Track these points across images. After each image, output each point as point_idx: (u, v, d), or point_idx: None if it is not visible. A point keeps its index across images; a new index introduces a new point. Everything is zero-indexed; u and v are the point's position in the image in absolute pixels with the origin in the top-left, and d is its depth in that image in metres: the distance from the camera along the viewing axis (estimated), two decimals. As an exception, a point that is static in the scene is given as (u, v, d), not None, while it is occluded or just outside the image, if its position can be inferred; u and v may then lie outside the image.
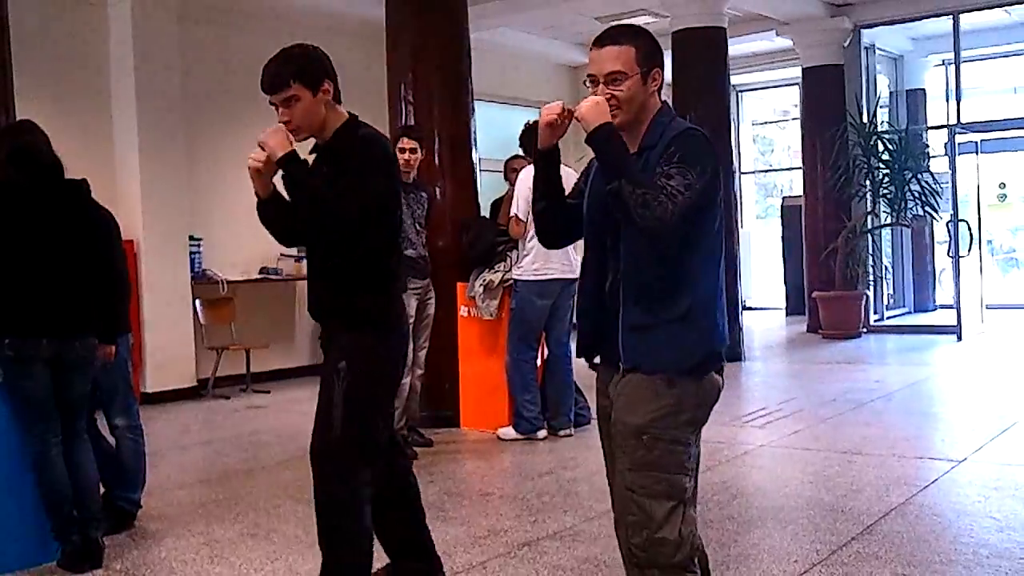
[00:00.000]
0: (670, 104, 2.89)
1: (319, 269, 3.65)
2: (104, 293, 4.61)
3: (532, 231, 6.76)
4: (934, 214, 13.51)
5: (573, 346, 3.26)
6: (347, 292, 3.56)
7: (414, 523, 3.93)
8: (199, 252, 10.07)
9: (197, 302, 9.88)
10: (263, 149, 3.41)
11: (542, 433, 6.99)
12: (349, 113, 3.62)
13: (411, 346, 6.69)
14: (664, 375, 2.70)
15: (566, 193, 3.00)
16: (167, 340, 9.53)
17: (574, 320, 3.11)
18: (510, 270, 7.09)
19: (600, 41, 2.80)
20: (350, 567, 3.57)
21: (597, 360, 2.94)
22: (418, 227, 6.75)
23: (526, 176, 6.81)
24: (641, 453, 2.70)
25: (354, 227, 3.42)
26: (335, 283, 3.57)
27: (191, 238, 9.88)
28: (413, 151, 6.68)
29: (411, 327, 6.67)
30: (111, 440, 5.13)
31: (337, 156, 3.53)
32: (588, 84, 2.78)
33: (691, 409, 2.74)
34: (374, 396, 3.61)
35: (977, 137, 13.72)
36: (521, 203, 6.81)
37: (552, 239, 3.13)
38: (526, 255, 6.91)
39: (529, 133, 7.03)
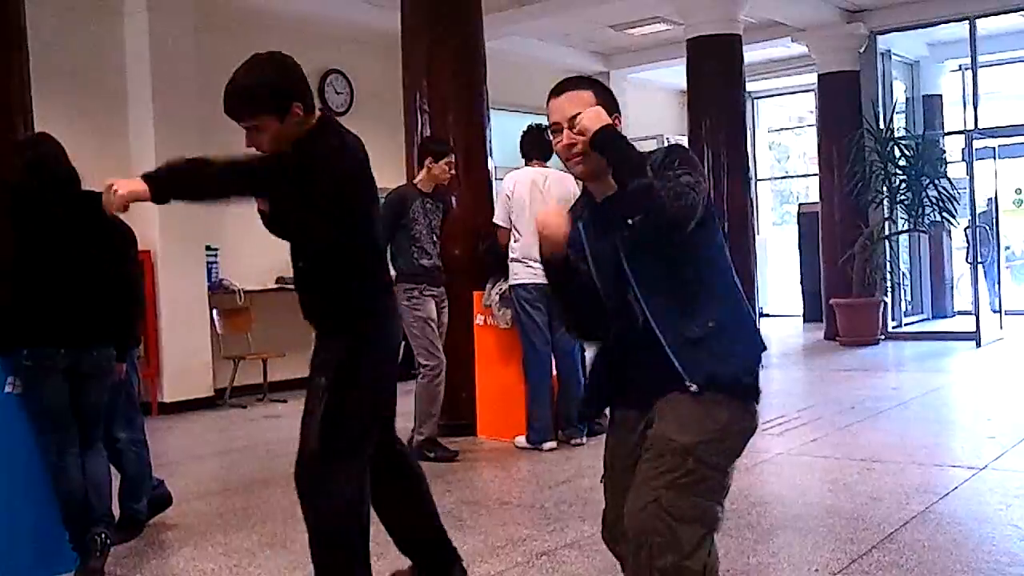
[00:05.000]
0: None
1: (301, 274, 3.58)
2: (119, 307, 4.62)
3: (517, 237, 6.79)
4: (952, 220, 13.44)
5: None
6: (325, 298, 3.51)
7: (424, 516, 3.87)
8: (216, 262, 10.10)
9: (214, 312, 9.91)
10: None
11: (548, 445, 6.93)
12: (319, 117, 3.43)
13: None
14: (716, 395, 2.64)
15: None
16: (184, 350, 9.57)
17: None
18: (527, 279, 7.09)
19: (557, 90, 2.82)
20: None
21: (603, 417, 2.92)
22: (434, 237, 6.78)
23: (507, 181, 6.88)
24: (681, 473, 2.60)
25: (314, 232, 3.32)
26: (315, 289, 3.53)
27: (207, 248, 9.91)
28: (453, 165, 6.90)
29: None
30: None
31: (292, 168, 3.34)
32: (552, 135, 2.77)
33: (735, 436, 2.70)
34: (356, 407, 3.48)
35: (995, 143, 13.66)
36: (500, 210, 6.87)
37: (598, 326, 2.95)
38: (511, 260, 6.95)
39: (527, 137, 7.04)
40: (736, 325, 2.73)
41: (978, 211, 13.14)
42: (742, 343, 2.74)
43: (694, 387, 2.63)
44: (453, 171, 6.90)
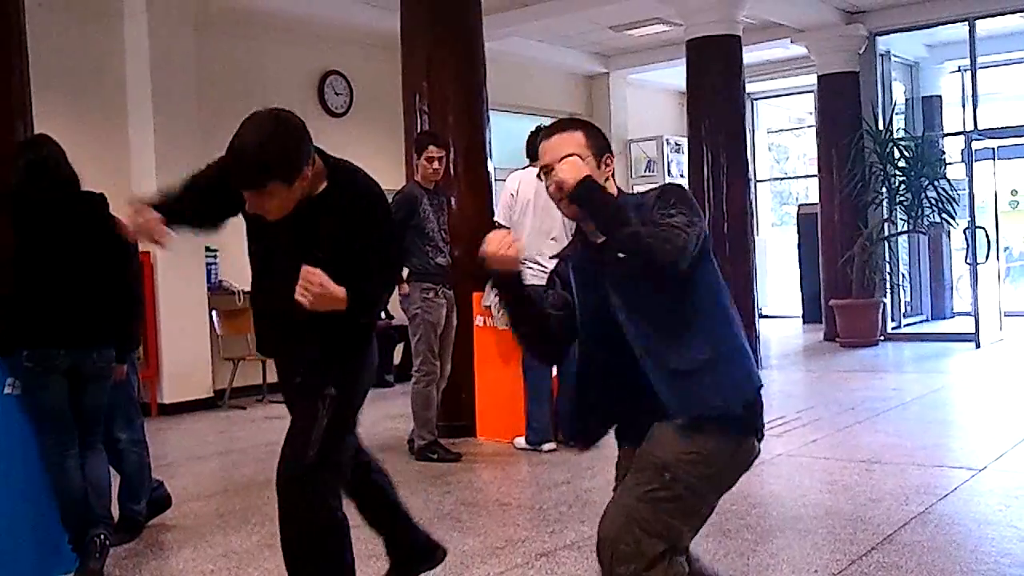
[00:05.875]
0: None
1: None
2: (119, 308, 4.62)
3: (519, 237, 6.76)
4: (951, 221, 13.44)
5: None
6: (336, 320, 3.27)
7: (393, 514, 3.85)
8: (215, 263, 10.09)
9: (213, 313, 9.90)
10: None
11: (548, 445, 6.92)
12: (322, 159, 3.27)
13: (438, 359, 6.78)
14: (705, 426, 2.65)
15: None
16: (183, 351, 9.56)
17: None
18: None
19: (548, 132, 2.86)
20: None
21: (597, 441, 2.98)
22: (443, 234, 6.78)
23: (510, 181, 6.89)
24: (655, 487, 2.65)
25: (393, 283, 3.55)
26: (328, 327, 3.32)
27: (207, 249, 9.90)
28: (441, 159, 6.78)
29: (440, 336, 6.77)
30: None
31: (337, 207, 3.26)
32: (543, 177, 2.80)
33: (722, 468, 2.71)
34: (352, 420, 3.49)
35: (994, 144, 13.66)
36: (502, 208, 6.87)
37: (552, 355, 3.15)
38: None
39: (533, 138, 7.05)
40: (730, 358, 2.70)
41: (978, 211, 13.13)
42: (736, 376, 2.71)
43: (679, 420, 2.66)
44: (437, 164, 6.76)
